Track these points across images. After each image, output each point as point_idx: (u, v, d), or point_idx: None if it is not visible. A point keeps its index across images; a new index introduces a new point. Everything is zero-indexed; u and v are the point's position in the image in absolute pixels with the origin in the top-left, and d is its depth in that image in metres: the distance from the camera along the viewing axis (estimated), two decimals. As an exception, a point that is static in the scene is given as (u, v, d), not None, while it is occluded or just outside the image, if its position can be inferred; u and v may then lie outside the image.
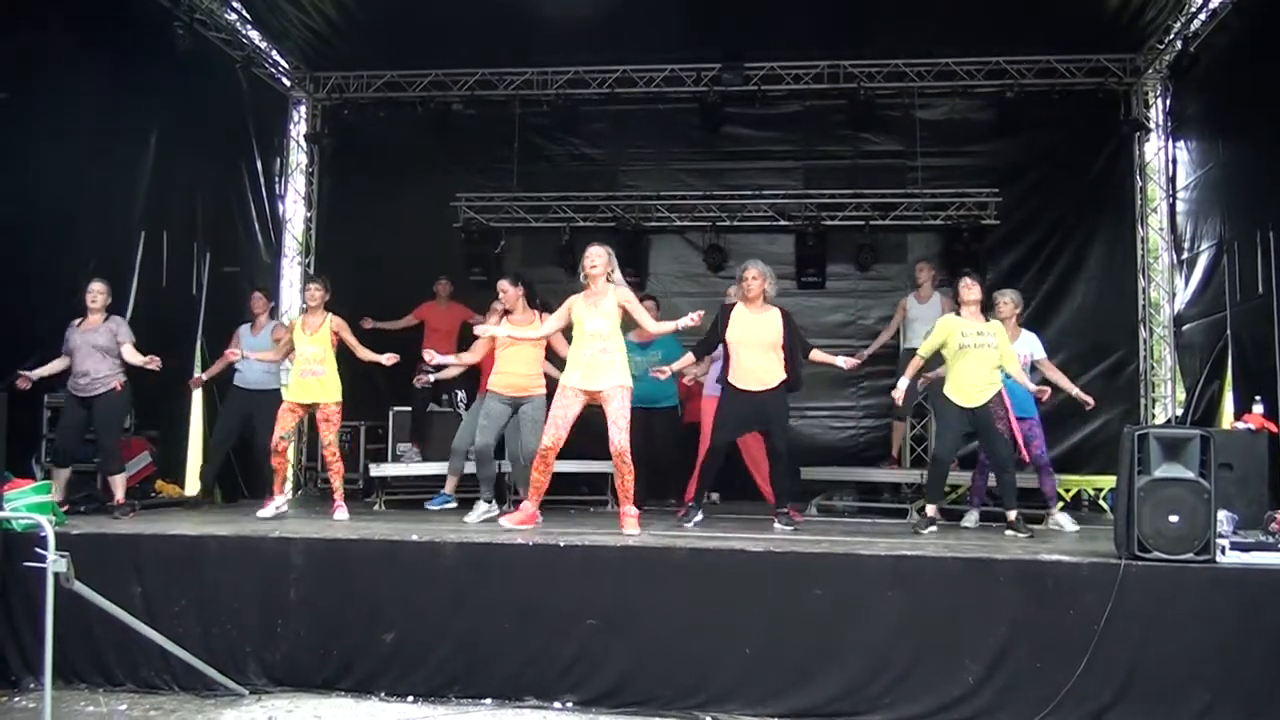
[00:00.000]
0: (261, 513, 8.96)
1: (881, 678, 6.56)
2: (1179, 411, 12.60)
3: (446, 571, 7.13)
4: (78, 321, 9.03)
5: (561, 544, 7.22)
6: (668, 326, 8.39)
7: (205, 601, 7.21)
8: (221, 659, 7.11)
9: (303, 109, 14.51)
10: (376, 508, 10.52)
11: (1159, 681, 6.27)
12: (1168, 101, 13.15)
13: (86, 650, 7.15)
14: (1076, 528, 8.91)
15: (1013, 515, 8.44)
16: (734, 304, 9.02)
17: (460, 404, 11.02)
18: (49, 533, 6.28)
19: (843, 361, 8.90)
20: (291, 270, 14.28)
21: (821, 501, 10.93)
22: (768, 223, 13.57)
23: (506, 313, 9.48)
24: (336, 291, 13.77)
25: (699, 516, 8.81)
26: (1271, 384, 9.51)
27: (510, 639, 6.91)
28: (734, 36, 12.70)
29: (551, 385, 8.76)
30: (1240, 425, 8.18)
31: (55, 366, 8.98)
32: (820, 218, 13.21)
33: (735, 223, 13.59)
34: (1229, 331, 11.13)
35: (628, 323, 8.38)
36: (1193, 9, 11.92)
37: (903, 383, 8.72)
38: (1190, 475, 6.44)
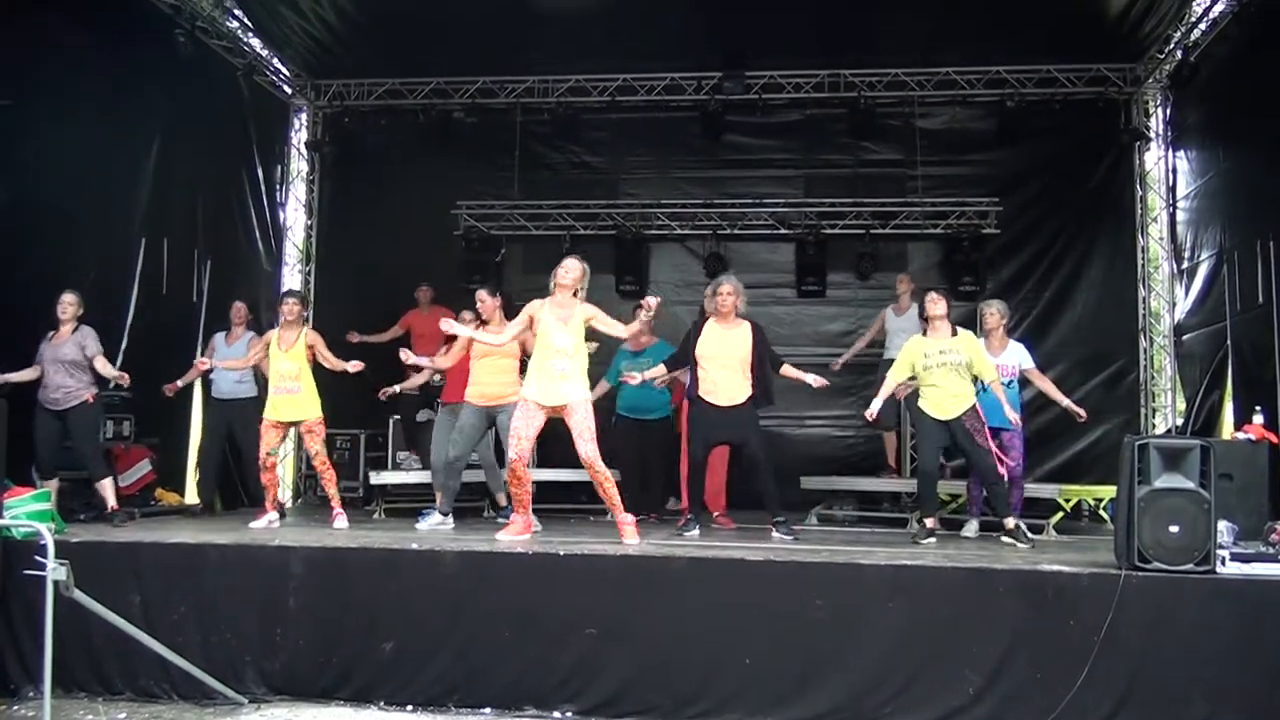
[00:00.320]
0: (253, 524, 8.97)
1: (882, 688, 6.55)
2: (1179, 421, 12.57)
3: (446, 580, 7.12)
4: (50, 335, 9.00)
5: (561, 553, 7.23)
6: (636, 327, 8.34)
7: (204, 610, 7.20)
8: (220, 667, 7.10)
9: (304, 116, 14.52)
10: (376, 516, 10.51)
11: (1160, 692, 6.25)
12: (1168, 111, 13.17)
13: (86, 659, 7.14)
14: (1028, 545, 8.61)
15: (1011, 524, 8.43)
16: (706, 318, 8.99)
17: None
18: (48, 541, 6.30)
19: (812, 379, 8.77)
20: (292, 278, 14.26)
21: (821, 511, 10.91)
22: (768, 231, 13.59)
23: (483, 323, 9.45)
24: (337, 298, 13.94)
25: (696, 529, 8.76)
26: (1272, 394, 9.50)
27: (509, 648, 6.90)
28: (735, 45, 12.70)
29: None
30: (1241, 435, 8.22)
31: (27, 375, 8.90)
32: (820, 226, 13.23)
33: (736, 231, 13.60)
34: (1229, 341, 11.12)
35: (591, 333, 8.35)
36: (1193, 19, 11.94)
37: (876, 404, 8.69)
38: (1190, 485, 6.43)
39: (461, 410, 9.42)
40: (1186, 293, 12.66)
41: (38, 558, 6.26)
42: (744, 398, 8.66)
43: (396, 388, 9.96)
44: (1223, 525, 6.58)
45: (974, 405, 8.50)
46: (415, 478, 11.02)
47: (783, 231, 13.53)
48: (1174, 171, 13.08)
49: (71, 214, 9.87)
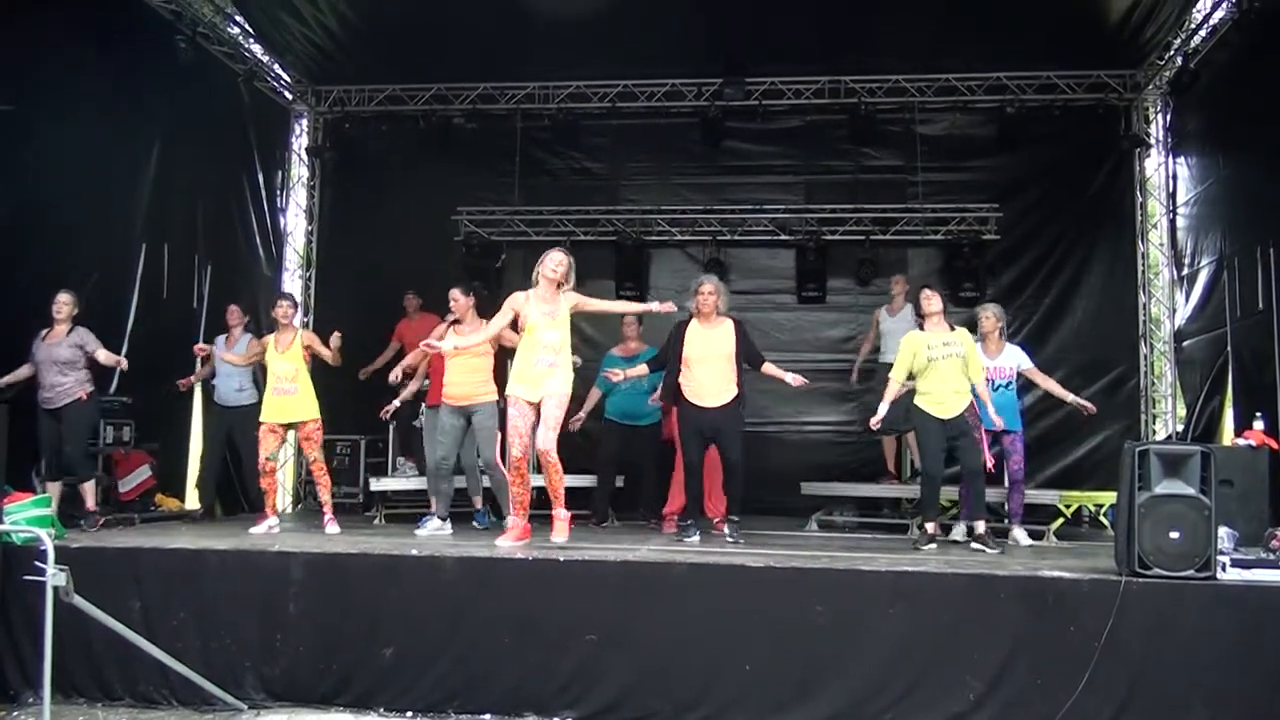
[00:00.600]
0: (253, 530, 8.97)
1: (882, 694, 6.54)
2: (1179, 427, 12.58)
3: (446, 586, 7.11)
4: (44, 333, 9.01)
5: (561, 559, 7.22)
6: (636, 307, 8.32)
7: (204, 615, 7.19)
8: (220, 673, 7.09)
9: (304, 122, 14.54)
10: (377, 522, 10.51)
11: (1160, 698, 6.25)
12: (1168, 117, 13.18)
13: (85, 664, 7.14)
14: (1030, 542, 8.92)
15: (981, 528, 8.46)
16: (687, 320, 8.97)
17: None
18: (48, 546, 6.30)
19: (791, 379, 8.72)
20: (293, 283, 14.27)
21: (822, 517, 10.90)
22: (768, 237, 13.59)
23: (455, 322, 9.44)
24: (337, 304, 13.94)
25: (696, 535, 8.76)
26: (1272, 400, 9.51)
27: (509, 654, 6.89)
28: (735, 51, 12.71)
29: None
30: (1241, 441, 8.19)
31: (21, 374, 8.95)
32: (821, 232, 13.23)
33: (736, 237, 13.60)
34: (1229, 347, 11.13)
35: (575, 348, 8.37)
36: (1193, 25, 11.95)
37: (882, 409, 8.66)
38: (1191, 492, 6.43)
39: (440, 413, 9.46)
40: (1187, 299, 12.67)
41: (37, 563, 6.26)
42: (729, 398, 8.65)
43: (396, 402, 10.01)
44: (1223, 531, 6.57)
45: (972, 403, 8.50)
46: (415, 484, 11.01)
47: (783, 237, 13.53)
48: (1174, 178, 13.09)
49: (72, 219, 9.87)
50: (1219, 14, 11.41)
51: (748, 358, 8.78)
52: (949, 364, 8.49)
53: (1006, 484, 9.33)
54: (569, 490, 10.18)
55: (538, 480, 8.59)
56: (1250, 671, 6.20)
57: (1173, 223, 13.05)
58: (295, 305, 9.56)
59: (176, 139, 11.49)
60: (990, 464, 8.67)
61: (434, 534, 9.11)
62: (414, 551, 7.43)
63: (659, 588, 6.97)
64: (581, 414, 10.11)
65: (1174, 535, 6.36)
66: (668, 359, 8.94)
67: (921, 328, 8.85)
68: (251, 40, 13.01)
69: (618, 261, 13.50)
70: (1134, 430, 12.93)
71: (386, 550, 7.50)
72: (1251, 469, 7.71)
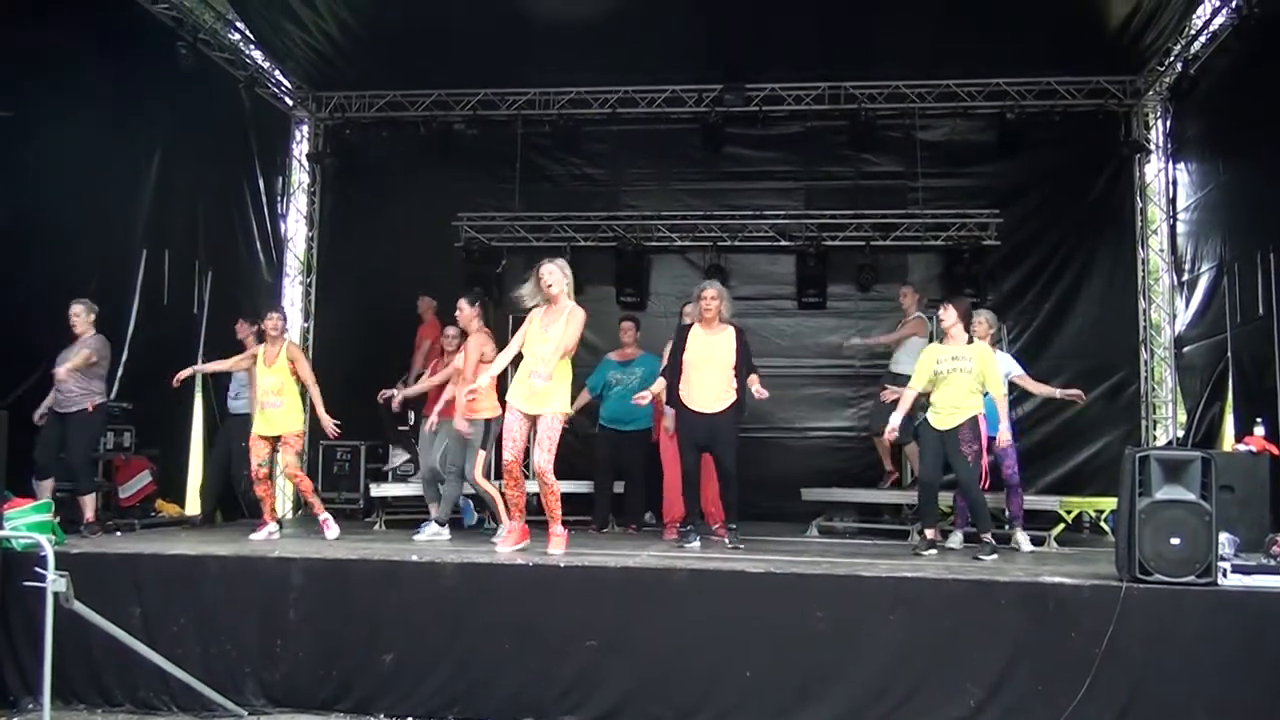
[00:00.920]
0: (253, 536, 8.98)
1: (883, 700, 6.54)
2: (1180, 433, 12.55)
3: (446, 592, 7.12)
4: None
5: (561, 565, 7.24)
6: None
7: (204, 621, 7.20)
8: (220, 679, 7.10)
9: (305, 128, 14.54)
10: (377, 527, 10.50)
11: (1161, 705, 6.25)
12: (1168, 123, 13.18)
13: (85, 670, 7.14)
14: (1031, 547, 8.90)
15: (986, 537, 8.44)
16: (690, 325, 9.00)
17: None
18: (49, 552, 6.32)
19: (756, 391, 8.69)
20: (293, 289, 14.28)
21: (822, 523, 10.89)
22: (769, 243, 13.59)
23: (462, 334, 9.57)
24: (338, 310, 13.95)
25: (697, 541, 8.76)
26: (1273, 406, 9.48)
27: (510, 660, 6.90)
28: (735, 58, 12.73)
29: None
30: (1241, 447, 8.20)
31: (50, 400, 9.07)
32: (821, 238, 13.22)
33: (736, 243, 13.60)
34: (1230, 353, 11.12)
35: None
36: (1193, 31, 11.95)
37: (895, 418, 8.67)
38: (1191, 497, 6.43)
39: (442, 425, 9.65)
40: (1187, 305, 12.67)
41: (38, 569, 6.27)
42: (724, 406, 8.67)
43: (397, 395, 10.21)
44: (1224, 537, 6.59)
45: (974, 418, 8.49)
46: (416, 489, 11.01)
47: (783, 243, 13.53)
48: (1174, 183, 13.09)
49: (72, 225, 9.88)
50: (1219, 20, 11.41)
51: (742, 367, 8.77)
52: (955, 378, 8.51)
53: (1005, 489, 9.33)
54: (578, 497, 10.29)
55: (532, 485, 8.62)
56: (1251, 678, 6.19)
57: (1173, 228, 13.05)
58: (285, 319, 9.56)
59: (177, 145, 11.50)
60: (985, 482, 8.67)
61: (433, 538, 9.15)
62: (414, 557, 7.43)
63: (659, 594, 6.97)
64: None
65: (1175, 541, 6.36)
66: (669, 364, 8.95)
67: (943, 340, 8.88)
68: (252, 46, 13.01)
69: (618, 267, 13.50)
70: (1134, 436, 12.92)
71: (386, 556, 7.52)
72: (1252, 475, 7.73)
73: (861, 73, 13.09)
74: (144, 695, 7.16)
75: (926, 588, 6.80)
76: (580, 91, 13.51)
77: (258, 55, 13.19)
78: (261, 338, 9.71)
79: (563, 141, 13.66)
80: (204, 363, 10.59)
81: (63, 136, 9.58)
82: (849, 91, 13.21)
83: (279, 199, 14.14)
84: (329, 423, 9.29)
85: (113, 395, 9.72)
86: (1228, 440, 10.96)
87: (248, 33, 12.76)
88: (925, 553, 8.37)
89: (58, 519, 8.24)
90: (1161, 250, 13.33)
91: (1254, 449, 8.03)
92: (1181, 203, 12.85)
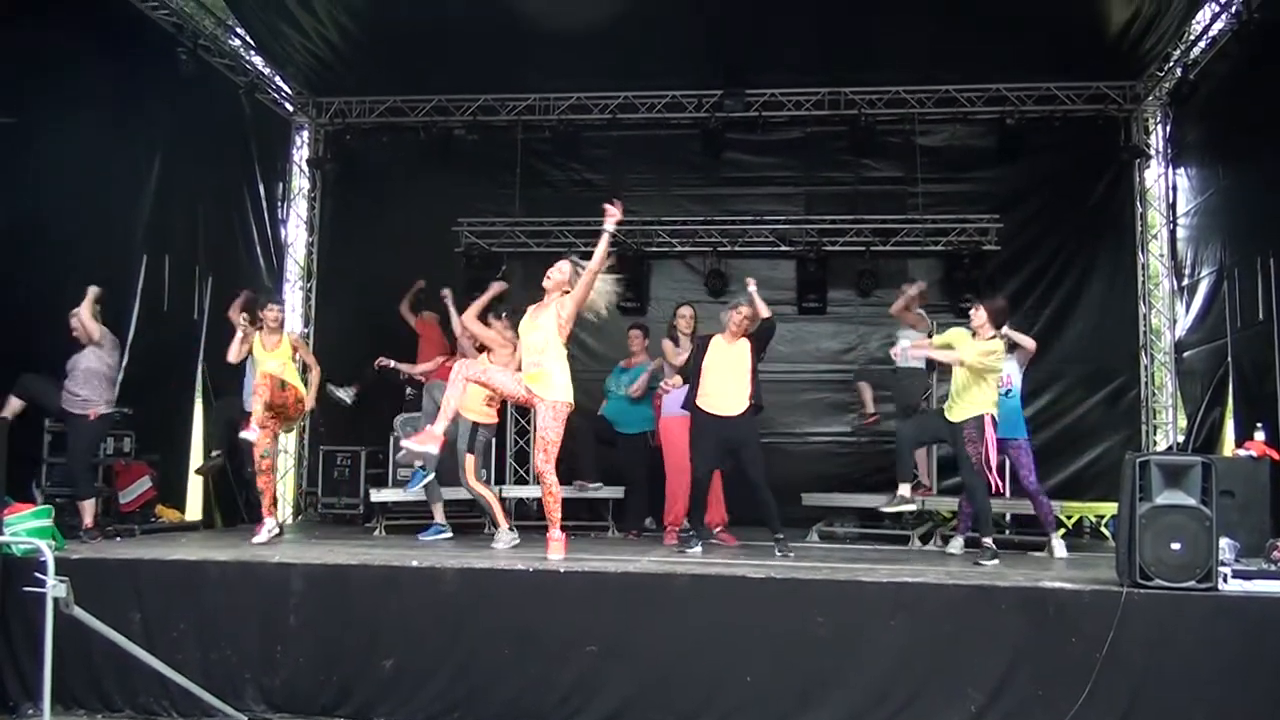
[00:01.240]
0: (255, 539, 8.97)
1: (883, 705, 6.53)
2: (1180, 438, 12.55)
3: (446, 598, 7.11)
4: None
5: (561, 570, 7.23)
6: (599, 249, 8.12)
7: (204, 627, 7.19)
8: (220, 685, 7.08)
9: (305, 134, 14.53)
10: (377, 533, 10.49)
11: (1161, 710, 6.24)
12: (1168, 128, 13.18)
13: (85, 676, 7.13)
14: (1064, 554, 8.93)
15: (987, 542, 8.46)
16: (712, 335, 9.09)
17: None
18: (48, 557, 6.31)
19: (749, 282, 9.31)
20: (293, 294, 14.28)
21: (822, 528, 10.88)
22: (769, 248, 13.58)
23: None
24: (338, 315, 13.95)
25: (698, 546, 8.76)
26: (1273, 411, 9.47)
27: (510, 665, 6.88)
28: (735, 63, 12.72)
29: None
30: (1242, 452, 8.19)
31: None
32: (821, 243, 13.23)
33: (736, 248, 13.58)
34: (1230, 358, 11.11)
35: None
36: (1192, 37, 11.97)
37: (910, 347, 8.90)
38: (1192, 502, 6.42)
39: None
40: (1187, 309, 12.66)
41: (37, 574, 6.26)
42: (743, 407, 8.72)
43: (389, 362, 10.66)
44: (1224, 542, 6.57)
45: (979, 418, 8.47)
46: (417, 495, 11.00)
47: (783, 249, 13.52)
48: (1174, 188, 13.08)
49: (73, 230, 9.86)
50: (1218, 25, 11.44)
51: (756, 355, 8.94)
52: (958, 371, 8.60)
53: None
54: (577, 502, 10.32)
55: (529, 493, 8.67)
56: (1252, 684, 6.18)
57: (1173, 233, 13.05)
58: (284, 310, 9.62)
59: (177, 150, 11.48)
60: (995, 484, 8.66)
61: (435, 538, 9.28)
62: (414, 563, 7.42)
63: (660, 599, 6.96)
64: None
65: (1175, 546, 6.36)
66: (690, 372, 9.02)
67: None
68: (252, 52, 13.02)
69: (618, 272, 13.43)
70: (1135, 441, 12.92)
71: (386, 561, 7.50)
72: (1253, 480, 7.73)
73: (861, 78, 13.12)
74: (144, 701, 7.14)
75: (927, 593, 6.79)
76: (580, 97, 13.50)
77: (258, 61, 13.21)
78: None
79: (563, 147, 13.66)
80: (204, 366, 10.59)
81: (63, 142, 9.55)
82: (849, 97, 13.22)
83: (279, 204, 14.12)
84: (309, 401, 9.52)
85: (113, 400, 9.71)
86: (1228, 445, 10.97)
87: (247, 38, 12.75)
88: (888, 509, 8.95)
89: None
90: (1161, 255, 13.32)
91: (1254, 454, 8.02)
92: (1181, 207, 12.85)
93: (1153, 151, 13.37)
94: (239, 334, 9.38)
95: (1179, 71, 12.17)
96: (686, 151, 13.77)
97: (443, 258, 13.37)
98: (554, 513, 8.06)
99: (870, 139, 13.16)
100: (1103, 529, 10.48)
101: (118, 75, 10.47)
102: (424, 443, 7.98)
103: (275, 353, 9.31)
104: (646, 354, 10.88)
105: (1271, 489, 7.82)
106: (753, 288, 9.08)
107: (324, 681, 7.06)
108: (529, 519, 11.15)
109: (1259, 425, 8.50)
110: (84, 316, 8.95)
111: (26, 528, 7.58)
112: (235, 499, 11.70)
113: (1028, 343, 9.30)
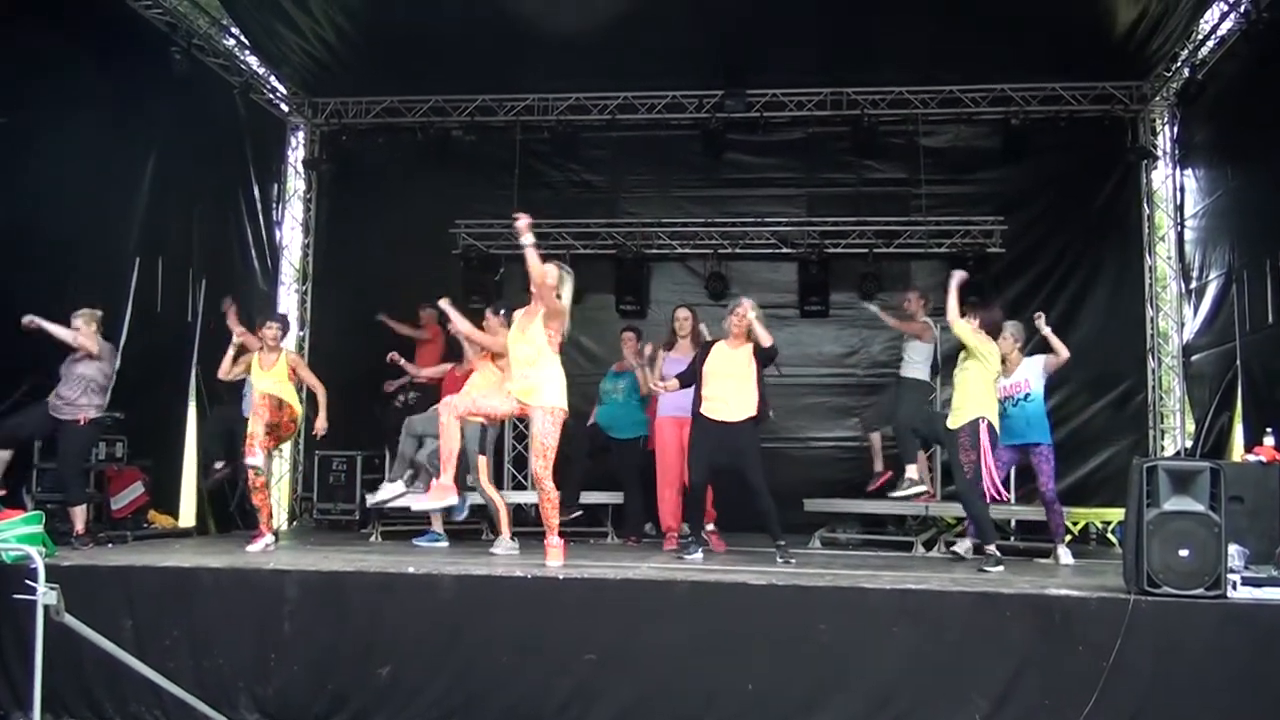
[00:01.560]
0: (250, 548, 8.89)
1: (886, 713, 6.47)
2: (1188, 443, 12.49)
3: (443, 605, 7.05)
4: None
5: (560, 577, 7.16)
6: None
7: (197, 635, 7.13)
8: (213, 693, 7.01)
9: (301, 135, 14.47)
10: (373, 539, 10.41)
11: (1170, 718, 6.17)
12: (1175, 129, 13.12)
13: (76, 684, 7.07)
14: (1071, 561, 8.85)
15: (990, 549, 8.36)
16: (716, 340, 9.00)
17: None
18: (39, 564, 6.25)
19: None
20: (289, 297, 14.21)
21: (825, 534, 10.80)
22: (770, 250, 13.52)
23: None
24: (334, 318, 13.89)
25: (698, 552, 8.68)
26: (1283, 415, 9.41)
27: (508, 673, 6.82)
28: (736, 63, 12.66)
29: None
30: (1251, 457, 8.14)
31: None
32: (823, 245, 13.18)
33: (737, 250, 13.52)
34: (1239, 362, 11.03)
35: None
36: (1200, 36, 11.90)
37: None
38: (1200, 508, 6.35)
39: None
40: (1195, 312, 12.58)
41: (28, 582, 6.18)
42: (744, 414, 8.61)
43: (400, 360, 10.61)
44: (1233, 549, 6.50)
45: (974, 424, 8.39)
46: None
47: (785, 251, 13.46)
48: (1182, 190, 13.02)
49: (66, 232, 9.81)
50: (1227, 25, 11.37)
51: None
52: (959, 373, 8.61)
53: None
54: (585, 506, 10.24)
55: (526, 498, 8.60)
56: (1262, 692, 6.11)
57: (1180, 235, 12.98)
58: (284, 329, 9.51)
59: (172, 151, 11.43)
60: (995, 491, 8.57)
61: (431, 545, 9.21)
62: (410, 569, 7.35)
63: (660, 606, 6.90)
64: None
65: (1183, 553, 6.28)
66: (694, 378, 8.92)
67: None
68: (247, 52, 12.96)
69: (617, 275, 13.44)
70: (1142, 446, 12.85)
71: (383, 568, 7.42)
72: (1262, 485, 7.63)
73: (864, 78, 13.06)
74: (136, 709, 7.07)
75: (931, 600, 6.73)
76: (579, 97, 13.43)
77: (253, 61, 13.15)
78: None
79: (562, 148, 13.58)
80: (197, 370, 10.52)
81: (56, 143, 9.51)
82: (851, 97, 13.16)
83: (274, 206, 14.07)
84: (322, 423, 9.32)
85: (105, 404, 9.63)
86: (1237, 450, 10.90)
87: (242, 38, 12.69)
88: (901, 493, 9.55)
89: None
90: (1169, 257, 13.25)
91: (1264, 459, 7.95)
92: (1189, 209, 12.78)
93: (1160, 152, 13.30)
94: (230, 350, 9.32)
95: (1186, 71, 12.09)
96: (687, 152, 13.70)
97: (440, 259, 13.34)
98: (552, 519, 7.99)
99: (873, 140, 13.09)
100: (1109, 535, 10.41)
101: (111, 76, 10.43)
102: (441, 497, 7.95)
103: (272, 371, 9.19)
104: (639, 356, 10.80)
105: (1282, 495, 7.74)
106: (753, 314, 8.63)
107: (319, 690, 6.99)
108: (527, 525, 11.06)
109: (1268, 430, 8.41)
110: (84, 338, 8.87)
111: (17, 534, 7.52)
112: (228, 505, 11.63)
113: (1062, 350, 9.26)
